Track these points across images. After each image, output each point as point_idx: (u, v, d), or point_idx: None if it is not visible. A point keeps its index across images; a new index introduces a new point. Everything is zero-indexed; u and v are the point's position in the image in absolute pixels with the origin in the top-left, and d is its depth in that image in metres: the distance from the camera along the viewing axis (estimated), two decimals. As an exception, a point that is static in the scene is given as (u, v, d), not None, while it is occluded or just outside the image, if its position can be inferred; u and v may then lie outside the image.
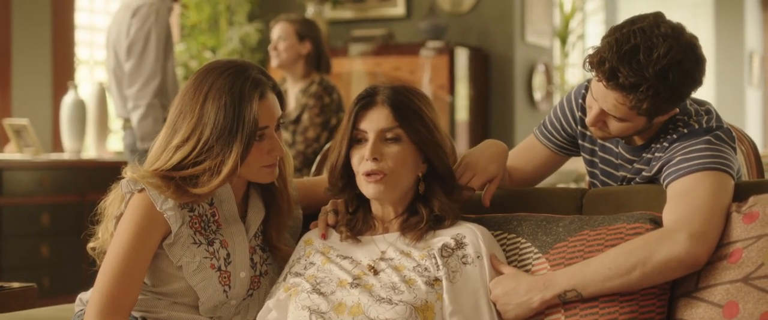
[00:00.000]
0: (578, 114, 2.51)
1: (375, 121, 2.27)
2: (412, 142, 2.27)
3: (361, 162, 2.27)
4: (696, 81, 2.26)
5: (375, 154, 2.25)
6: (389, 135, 2.27)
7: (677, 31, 2.23)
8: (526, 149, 2.63)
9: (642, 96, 2.21)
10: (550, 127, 2.58)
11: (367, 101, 2.29)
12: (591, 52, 2.27)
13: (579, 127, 2.53)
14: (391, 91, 2.29)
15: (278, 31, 4.84)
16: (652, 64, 2.19)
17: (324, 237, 2.36)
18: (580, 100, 2.50)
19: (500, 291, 2.20)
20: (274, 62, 4.82)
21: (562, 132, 2.56)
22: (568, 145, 2.58)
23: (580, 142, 2.55)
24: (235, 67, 2.27)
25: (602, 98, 2.28)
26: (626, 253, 2.14)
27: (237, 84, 2.23)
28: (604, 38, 2.26)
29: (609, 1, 10.92)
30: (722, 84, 10.78)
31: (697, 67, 2.25)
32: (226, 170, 2.21)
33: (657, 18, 2.24)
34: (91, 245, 2.37)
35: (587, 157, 2.56)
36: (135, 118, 4.91)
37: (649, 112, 2.25)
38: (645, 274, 2.12)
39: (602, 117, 2.32)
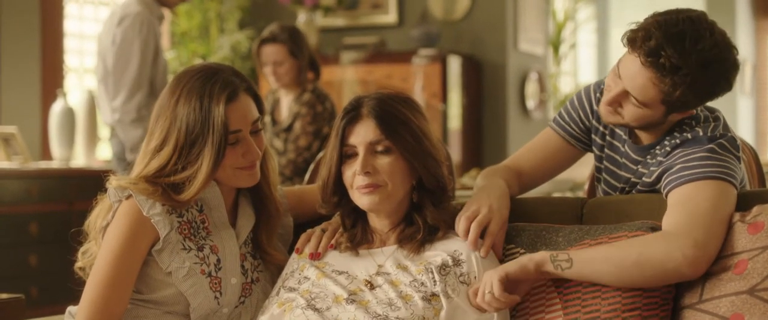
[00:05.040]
0: (595, 107, 2.48)
1: (362, 134, 2.24)
2: (402, 152, 2.24)
3: (354, 176, 2.24)
4: (729, 83, 2.25)
5: (367, 168, 2.22)
6: (379, 147, 2.24)
7: (722, 31, 2.24)
8: (540, 142, 2.58)
9: (679, 81, 2.19)
10: (566, 118, 2.54)
11: (353, 115, 2.26)
12: (633, 27, 2.25)
13: (594, 120, 2.50)
14: (376, 101, 2.26)
15: (272, 55, 4.74)
16: (696, 52, 2.18)
17: (315, 256, 2.31)
18: (598, 94, 2.47)
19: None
20: (275, 85, 4.78)
21: (579, 123, 2.53)
22: (583, 137, 2.54)
23: (592, 136, 2.52)
24: (207, 69, 2.27)
25: (631, 77, 2.24)
26: (626, 242, 2.14)
27: (206, 86, 2.23)
28: (649, 18, 2.23)
29: (601, 10, 10.93)
30: (714, 92, 10.77)
31: (733, 71, 2.25)
32: (201, 176, 2.21)
33: (704, 14, 2.25)
34: (79, 265, 2.34)
35: (597, 152, 2.53)
36: (120, 129, 4.87)
37: (676, 103, 2.23)
38: (638, 265, 2.09)
39: (621, 98, 2.29)
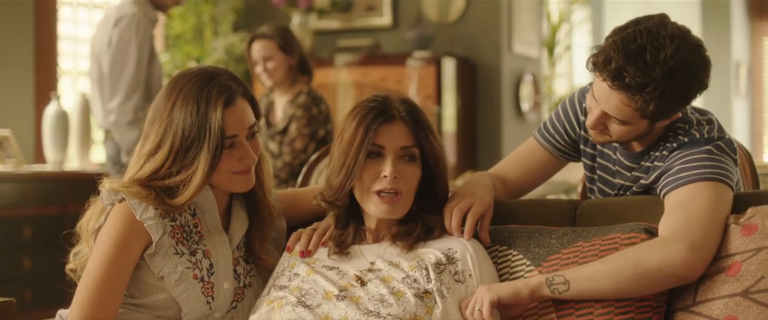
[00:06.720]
0: (582, 117, 2.46)
1: (395, 137, 2.21)
2: (422, 161, 2.23)
3: (376, 178, 2.20)
4: (702, 83, 2.22)
5: (396, 173, 2.19)
6: (407, 154, 2.22)
7: (684, 32, 2.20)
8: (524, 153, 2.57)
9: (648, 97, 2.16)
10: (551, 130, 2.53)
11: (387, 116, 2.22)
12: (595, 51, 2.22)
13: (582, 131, 2.48)
14: (405, 105, 2.24)
15: (262, 50, 4.73)
16: (659, 65, 2.15)
17: (306, 254, 2.30)
18: (584, 104, 2.45)
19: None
20: (267, 82, 4.76)
21: (564, 135, 2.51)
22: (568, 149, 2.53)
23: (581, 147, 2.50)
24: (204, 73, 2.26)
25: (605, 99, 2.23)
26: (621, 254, 2.12)
27: (203, 90, 2.22)
28: (609, 37, 2.21)
29: (596, 12, 10.93)
30: (709, 94, 10.65)
31: (703, 69, 2.21)
32: (196, 180, 2.20)
33: (663, 19, 2.21)
34: (70, 267, 2.32)
35: (588, 162, 2.51)
36: (116, 131, 4.86)
37: (654, 115, 2.21)
38: (637, 276, 2.08)
39: (603, 120, 2.27)
